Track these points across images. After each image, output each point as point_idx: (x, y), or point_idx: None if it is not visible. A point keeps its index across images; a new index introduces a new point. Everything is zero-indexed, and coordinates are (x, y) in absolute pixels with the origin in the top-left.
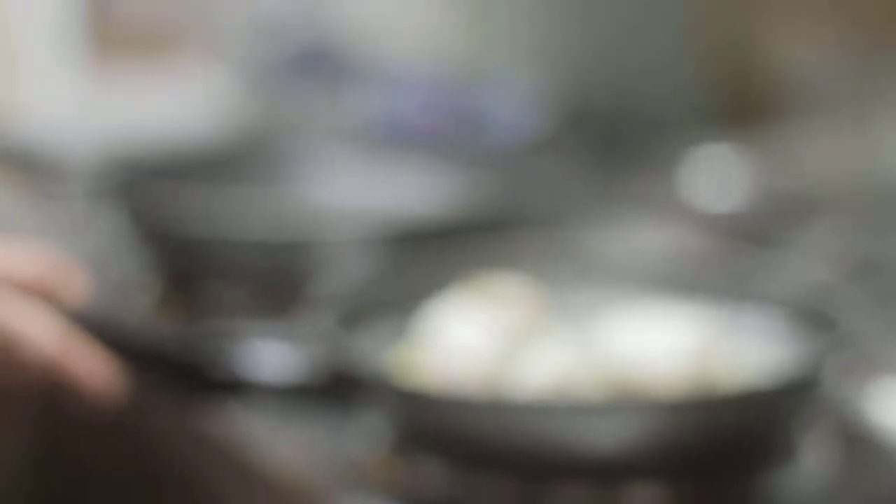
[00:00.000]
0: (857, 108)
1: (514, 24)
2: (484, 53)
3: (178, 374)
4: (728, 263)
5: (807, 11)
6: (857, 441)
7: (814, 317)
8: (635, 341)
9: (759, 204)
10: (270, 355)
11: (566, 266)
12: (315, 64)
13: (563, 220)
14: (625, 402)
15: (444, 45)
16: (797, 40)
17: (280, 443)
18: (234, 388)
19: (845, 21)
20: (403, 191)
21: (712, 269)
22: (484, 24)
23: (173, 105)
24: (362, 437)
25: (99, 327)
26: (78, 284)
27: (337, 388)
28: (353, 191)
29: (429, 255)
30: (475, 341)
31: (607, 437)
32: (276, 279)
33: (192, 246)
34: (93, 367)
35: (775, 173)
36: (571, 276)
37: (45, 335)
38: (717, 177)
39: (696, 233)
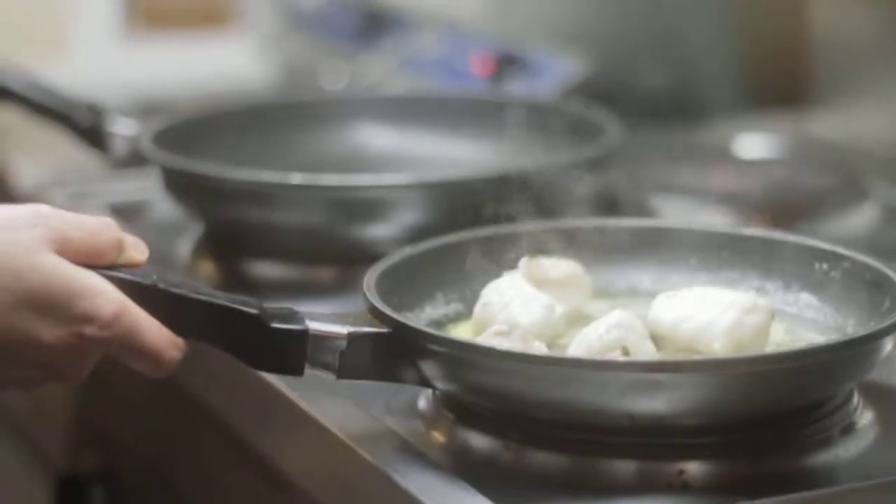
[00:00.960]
0: None
1: (553, 5)
2: (523, 36)
3: (232, 345)
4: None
5: None
6: None
7: (865, 284)
8: (683, 311)
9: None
10: (324, 331)
11: (611, 251)
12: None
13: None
14: (679, 361)
15: (487, 23)
16: (841, 12)
17: (328, 408)
18: (289, 362)
19: None
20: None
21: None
22: (524, 7)
23: (211, 68)
24: (411, 405)
25: (155, 292)
26: (136, 253)
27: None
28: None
29: (481, 235)
30: (533, 321)
31: (662, 396)
32: (327, 226)
33: (233, 193)
34: (151, 332)
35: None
36: (618, 260)
37: (109, 293)
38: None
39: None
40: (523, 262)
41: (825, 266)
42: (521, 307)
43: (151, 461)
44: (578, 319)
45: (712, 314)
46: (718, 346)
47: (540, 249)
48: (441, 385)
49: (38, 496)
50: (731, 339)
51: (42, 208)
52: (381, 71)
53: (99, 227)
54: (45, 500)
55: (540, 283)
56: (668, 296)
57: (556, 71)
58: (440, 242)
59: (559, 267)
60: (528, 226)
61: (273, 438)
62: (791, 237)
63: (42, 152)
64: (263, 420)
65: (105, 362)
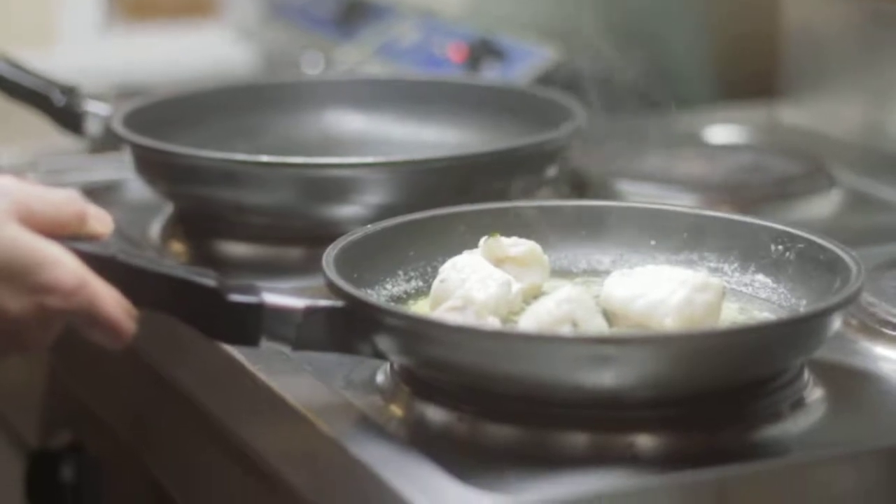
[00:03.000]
0: (870, 68)
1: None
2: (499, 28)
3: (189, 316)
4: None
5: None
6: (855, 376)
7: (819, 264)
8: (635, 288)
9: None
10: (280, 305)
11: (572, 231)
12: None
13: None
14: (625, 336)
15: (464, 15)
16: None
17: (289, 383)
18: (245, 333)
19: None
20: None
21: (717, 226)
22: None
23: (193, 57)
24: (370, 380)
25: (115, 264)
26: (99, 226)
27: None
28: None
29: (443, 213)
30: (488, 297)
31: (609, 370)
32: (295, 205)
33: (202, 172)
34: (110, 303)
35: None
36: (577, 241)
37: (70, 264)
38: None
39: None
40: (483, 240)
41: (780, 247)
42: (478, 283)
43: (121, 438)
44: (537, 298)
45: (664, 291)
46: (669, 323)
47: (501, 228)
48: (394, 358)
49: (11, 472)
50: (682, 315)
51: (5, 180)
52: (359, 57)
53: (62, 200)
54: (17, 477)
55: (500, 261)
56: (622, 273)
57: (529, 59)
58: (401, 220)
59: (518, 245)
60: (491, 205)
61: (237, 413)
62: (748, 219)
63: (19, 135)
64: (227, 395)
65: (74, 340)
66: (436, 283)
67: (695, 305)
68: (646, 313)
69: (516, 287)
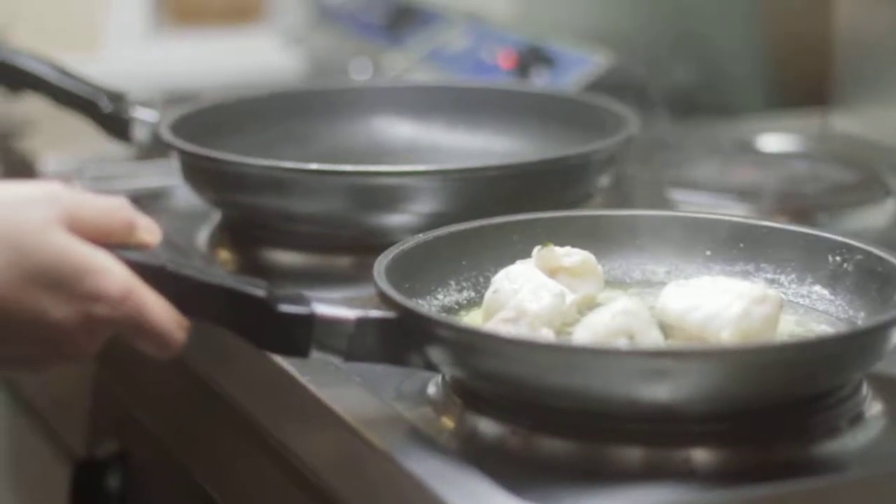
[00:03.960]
0: None
1: (579, 5)
2: (549, 34)
3: (239, 327)
4: (788, 233)
5: None
6: None
7: (877, 276)
8: (692, 300)
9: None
10: (331, 315)
11: (626, 242)
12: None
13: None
14: (686, 348)
15: (514, 22)
16: (866, 12)
17: (339, 394)
18: (295, 345)
19: None
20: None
21: (773, 236)
22: (550, 7)
23: (240, 63)
24: (421, 392)
25: (164, 274)
26: (148, 235)
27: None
28: (420, 129)
29: (496, 223)
30: (542, 309)
31: (665, 383)
32: (344, 214)
33: (250, 180)
34: (158, 313)
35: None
36: (633, 250)
37: (118, 273)
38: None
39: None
40: (536, 250)
41: (838, 259)
42: (531, 294)
43: (166, 447)
44: (591, 309)
45: (721, 304)
46: (726, 336)
47: (554, 238)
48: (446, 370)
49: (57, 482)
50: (739, 328)
51: (54, 187)
52: (407, 64)
53: (111, 207)
54: (64, 485)
55: (553, 271)
56: (678, 285)
57: (580, 65)
58: (453, 230)
59: (572, 256)
60: (544, 215)
61: (285, 424)
62: (805, 229)
63: (68, 142)
64: (276, 405)
65: (121, 350)
66: (488, 294)
67: (752, 318)
68: (702, 326)
69: (570, 298)
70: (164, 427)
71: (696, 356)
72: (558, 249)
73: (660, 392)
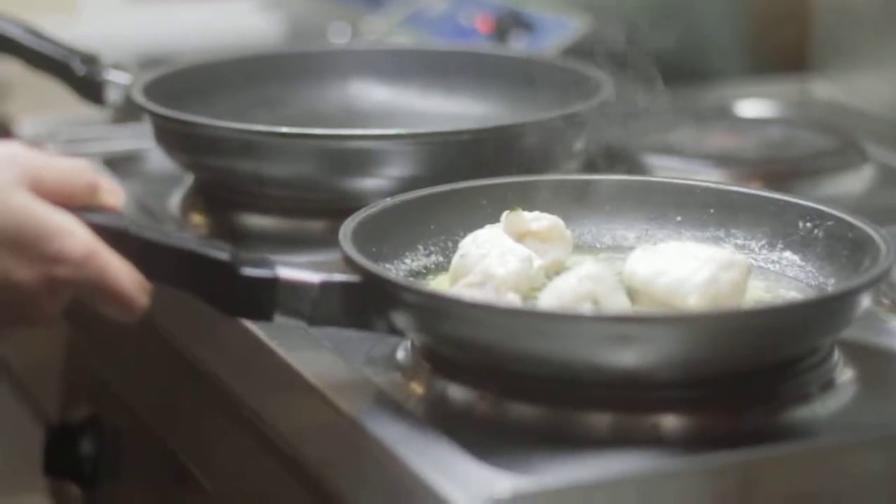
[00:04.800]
0: None
1: None
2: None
3: (202, 290)
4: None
5: None
6: (886, 357)
7: (848, 243)
8: (659, 265)
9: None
10: (295, 279)
11: (597, 207)
12: None
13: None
14: (650, 314)
15: None
16: None
17: (308, 358)
18: (258, 308)
19: None
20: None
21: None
22: None
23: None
24: (391, 356)
25: (126, 236)
26: (111, 197)
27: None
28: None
29: (464, 187)
30: (508, 273)
31: (630, 349)
32: (316, 178)
33: (222, 143)
34: (121, 275)
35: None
36: (601, 217)
37: (80, 234)
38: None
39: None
40: (505, 214)
41: (809, 225)
42: (498, 259)
43: (139, 411)
44: (559, 273)
45: (687, 269)
46: (693, 302)
47: (525, 203)
48: (411, 335)
49: (32, 445)
50: (706, 294)
51: (15, 148)
52: (386, 28)
53: (73, 169)
54: (38, 449)
55: (521, 236)
56: (646, 250)
57: (558, 30)
58: (421, 193)
59: (541, 220)
60: (513, 179)
61: (254, 388)
62: (775, 195)
63: (43, 105)
64: (245, 370)
65: (93, 316)
66: (456, 258)
67: (720, 284)
68: (669, 291)
69: (538, 262)
70: (137, 392)
71: (662, 322)
72: (527, 214)
73: (625, 358)
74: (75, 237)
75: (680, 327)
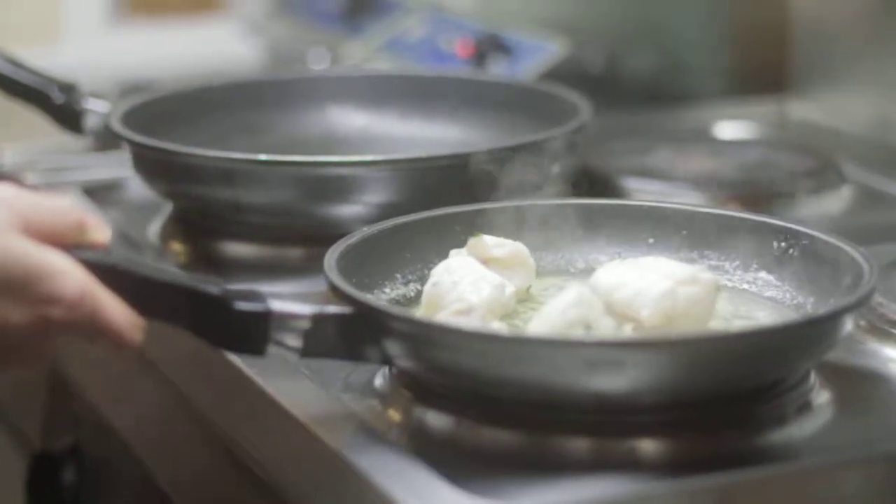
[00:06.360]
0: (883, 61)
1: None
2: (507, 23)
3: (195, 326)
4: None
5: None
6: (863, 378)
7: (825, 262)
8: (621, 278)
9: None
10: (287, 312)
11: (570, 230)
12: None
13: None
14: (643, 339)
15: (472, 10)
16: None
17: (286, 387)
18: (251, 343)
19: None
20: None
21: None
22: None
23: (200, 53)
24: (368, 383)
25: (117, 273)
26: (99, 234)
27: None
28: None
29: (437, 214)
30: (482, 301)
31: (625, 373)
32: (295, 205)
33: (203, 172)
34: (114, 313)
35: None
36: (574, 240)
37: (73, 274)
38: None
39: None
40: (470, 240)
41: (783, 244)
42: (471, 286)
43: (121, 442)
44: (525, 299)
45: (646, 282)
46: (646, 315)
47: (496, 228)
48: (405, 364)
49: (14, 474)
50: (659, 308)
51: (6, 190)
52: (366, 53)
53: (61, 208)
54: (20, 477)
55: (485, 261)
56: (616, 264)
57: (536, 54)
58: (395, 222)
59: (503, 246)
60: (485, 205)
61: (234, 417)
62: (748, 215)
63: (21, 134)
64: (225, 398)
65: (76, 345)
66: (428, 287)
67: (676, 298)
68: (627, 303)
69: (510, 289)
70: (119, 422)
71: (644, 347)
72: (489, 240)
73: (607, 383)
74: (69, 277)
75: (662, 352)
